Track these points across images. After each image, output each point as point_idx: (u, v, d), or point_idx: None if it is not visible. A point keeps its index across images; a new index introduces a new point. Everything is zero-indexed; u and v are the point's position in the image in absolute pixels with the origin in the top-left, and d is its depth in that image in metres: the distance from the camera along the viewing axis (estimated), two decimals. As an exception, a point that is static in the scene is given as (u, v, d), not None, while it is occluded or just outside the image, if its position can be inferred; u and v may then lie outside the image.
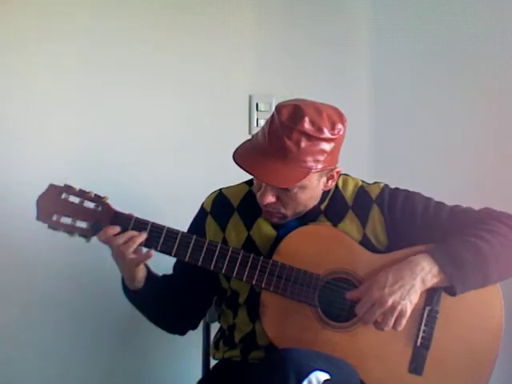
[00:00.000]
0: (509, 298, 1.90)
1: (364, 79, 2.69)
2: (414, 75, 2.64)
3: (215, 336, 2.08)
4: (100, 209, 1.86)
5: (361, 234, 1.91)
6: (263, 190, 1.85)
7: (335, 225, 1.92)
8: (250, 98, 2.52)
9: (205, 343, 2.18)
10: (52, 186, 1.87)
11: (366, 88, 2.69)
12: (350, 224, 1.92)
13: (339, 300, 1.85)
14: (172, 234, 1.86)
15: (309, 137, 1.78)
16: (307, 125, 1.78)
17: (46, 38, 2.23)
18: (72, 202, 1.86)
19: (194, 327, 2.08)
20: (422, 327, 1.85)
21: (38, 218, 1.86)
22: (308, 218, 1.92)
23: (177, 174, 2.41)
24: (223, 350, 1.99)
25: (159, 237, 1.85)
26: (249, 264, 1.85)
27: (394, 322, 1.78)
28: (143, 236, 1.84)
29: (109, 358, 2.37)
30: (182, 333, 2.08)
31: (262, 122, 2.46)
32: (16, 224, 2.20)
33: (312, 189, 1.86)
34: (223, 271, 1.86)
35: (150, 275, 1.93)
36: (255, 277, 1.85)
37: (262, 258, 1.86)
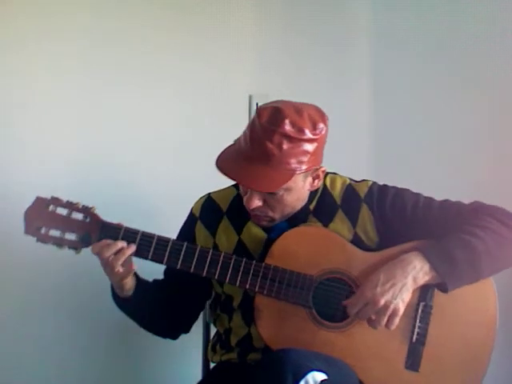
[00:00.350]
0: (502, 291, 1.90)
1: (364, 79, 2.69)
2: (414, 75, 2.64)
3: (212, 339, 2.07)
4: (88, 220, 1.85)
5: (351, 232, 1.91)
6: (249, 194, 1.84)
7: (326, 225, 1.91)
8: (250, 98, 2.52)
9: (204, 344, 2.18)
10: (39, 199, 1.86)
11: (366, 88, 2.69)
12: (340, 224, 1.91)
13: (334, 300, 1.85)
14: (163, 242, 1.85)
15: (290, 138, 1.77)
16: (288, 126, 1.77)
17: (46, 37, 2.23)
18: (60, 214, 1.85)
19: (186, 331, 2.07)
20: (417, 323, 1.85)
21: (27, 231, 1.85)
22: (298, 219, 1.91)
23: (177, 173, 2.41)
24: (220, 353, 1.98)
25: (150, 246, 1.84)
26: (241, 269, 1.84)
27: (387, 321, 1.78)
28: (132, 248, 1.82)
29: (107, 359, 2.37)
30: (174, 337, 2.07)
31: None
32: (16, 224, 2.19)
33: (298, 190, 1.85)
34: (216, 277, 1.85)
35: (140, 282, 1.92)
36: (248, 281, 1.84)
37: (254, 262, 1.85)
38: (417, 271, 1.78)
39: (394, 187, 1.95)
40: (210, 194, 2.03)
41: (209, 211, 1.99)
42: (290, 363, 1.64)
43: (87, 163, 2.28)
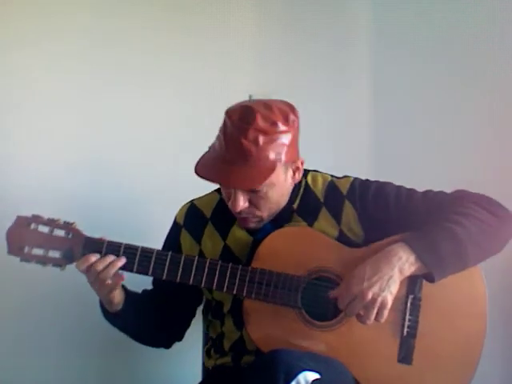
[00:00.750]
0: (491, 279, 1.88)
1: (364, 79, 2.69)
2: (414, 75, 2.64)
3: (206, 345, 2.05)
4: (70, 236, 1.84)
5: (337, 230, 1.90)
6: (233, 196, 1.82)
7: (310, 224, 1.91)
8: (250, 98, 2.52)
9: (204, 345, 2.18)
10: (19, 218, 1.84)
11: (366, 88, 2.69)
12: (324, 222, 1.91)
13: (322, 299, 1.83)
14: (147, 253, 1.83)
15: (265, 133, 1.77)
16: (261, 121, 1.77)
17: (45, 38, 2.23)
18: (42, 232, 1.84)
19: (179, 339, 2.06)
20: (407, 316, 1.85)
21: (10, 251, 1.83)
22: (282, 218, 1.90)
23: (177, 174, 2.41)
24: (215, 357, 1.97)
25: (134, 258, 1.82)
26: (228, 274, 1.82)
27: (377, 315, 1.76)
28: (122, 260, 1.81)
29: (107, 359, 2.37)
30: (168, 346, 2.06)
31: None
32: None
33: (281, 184, 1.84)
34: (203, 284, 1.84)
35: (128, 294, 1.90)
36: (235, 286, 1.82)
37: (240, 266, 1.84)
38: (402, 262, 1.77)
39: (375, 181, 1.94)
40: (192, 201, 2.02)
41: (193, 218, 1.98)
42: (282, 364, 1.63)
43: (87, 163, 2.28)
